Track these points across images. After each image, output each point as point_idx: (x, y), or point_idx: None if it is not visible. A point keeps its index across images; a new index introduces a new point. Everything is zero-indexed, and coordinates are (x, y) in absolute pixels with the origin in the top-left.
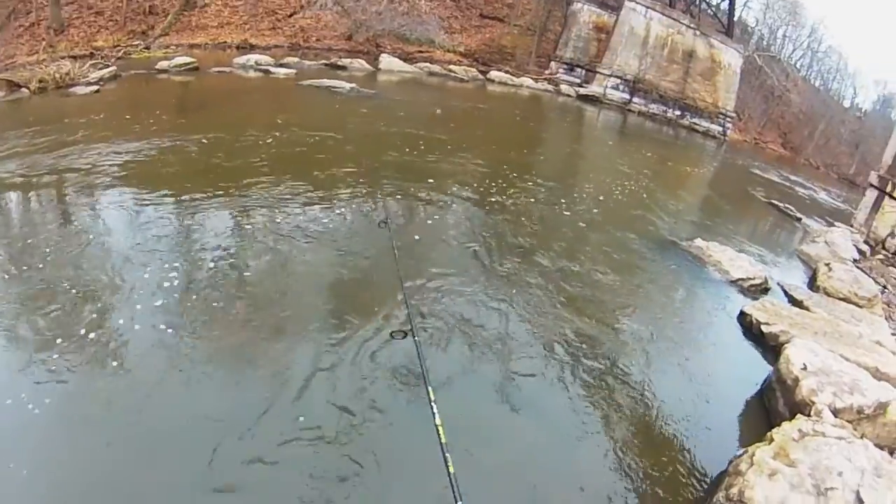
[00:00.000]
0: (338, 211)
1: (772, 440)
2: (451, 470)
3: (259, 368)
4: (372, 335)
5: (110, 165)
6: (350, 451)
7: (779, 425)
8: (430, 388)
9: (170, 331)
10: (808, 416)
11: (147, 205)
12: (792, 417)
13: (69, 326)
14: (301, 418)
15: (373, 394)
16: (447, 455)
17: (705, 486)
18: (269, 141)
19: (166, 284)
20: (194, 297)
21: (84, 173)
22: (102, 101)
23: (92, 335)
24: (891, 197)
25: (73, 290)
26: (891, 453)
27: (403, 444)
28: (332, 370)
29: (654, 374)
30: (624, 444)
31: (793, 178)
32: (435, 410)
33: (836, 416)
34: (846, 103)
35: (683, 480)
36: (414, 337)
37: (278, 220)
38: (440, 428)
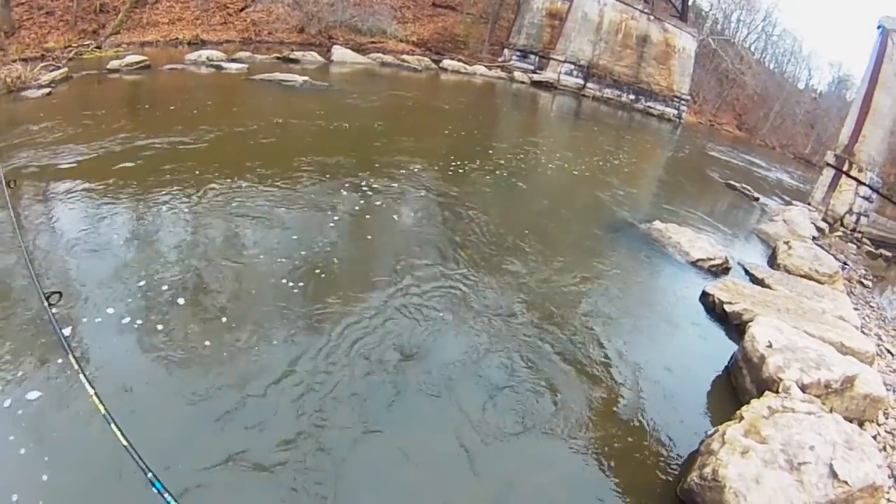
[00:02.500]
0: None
1: (742, 418)
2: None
3: None
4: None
5: (62, 167)
6: None
7: (748, 403)
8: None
9: None
10: (777, 392)
11: (100, 200)
12: (760, 395)
13: None
14: None
15: None
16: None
17: (678, 468)
18: (206, 138)
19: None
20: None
21: (39, 173)
22: (54, 104)
23: None
24: (847, 175)
25: None
26: (860, 425)
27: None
28: None
29: (618, 356)
30: (592, 428)
31: (749, 158)
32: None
33: (804, 392)
34: (801, 85)
35: (655, 463)
36: None
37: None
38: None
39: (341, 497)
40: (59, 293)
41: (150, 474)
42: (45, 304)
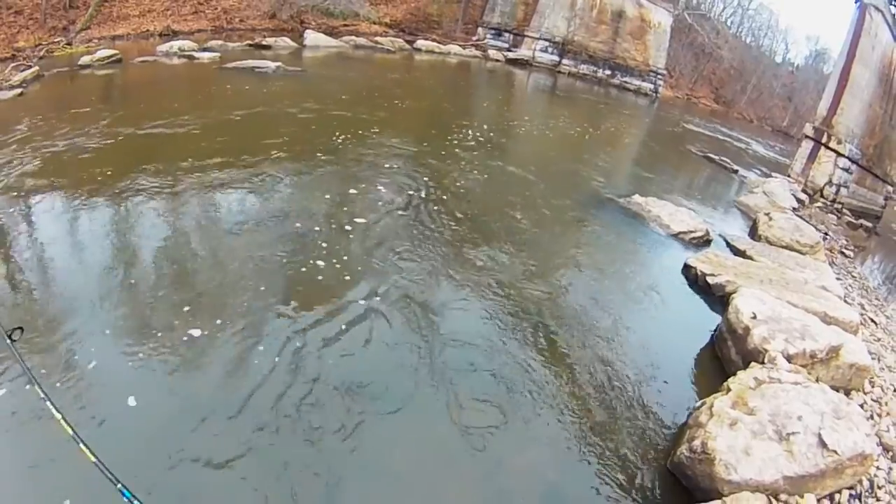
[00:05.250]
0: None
1: (729, 389)
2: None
3: None
4: None
5: (32, 168)
6: None
7: (734, 374)
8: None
9: None
10: (762, 363)
11: (75, 199)
12: (746, 366)
13: None
14: None
15: None
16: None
17: (667, 441)
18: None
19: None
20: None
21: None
22: (27, 104)
23: None
24: (826, 147)
25: None
26: (847, 394)
27: None
28: None
29: (603, 331)
30: (579, 405)
31: (727, 131)
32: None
33: (789, 362)
34: (778, 58)
35: (644, 437)
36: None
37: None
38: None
39: (335, 480)
40: (21, 328)
41: (119, 485)
42: (7, 340)
